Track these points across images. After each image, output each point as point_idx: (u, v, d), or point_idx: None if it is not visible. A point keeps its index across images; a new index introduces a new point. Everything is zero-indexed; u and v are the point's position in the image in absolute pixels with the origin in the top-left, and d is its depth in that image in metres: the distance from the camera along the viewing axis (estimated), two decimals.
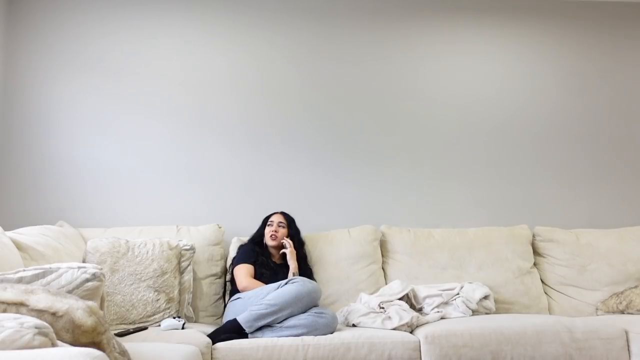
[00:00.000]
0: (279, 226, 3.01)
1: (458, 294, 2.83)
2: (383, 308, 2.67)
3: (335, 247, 3.13)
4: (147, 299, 2.66)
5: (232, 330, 2.41)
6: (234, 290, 2.83)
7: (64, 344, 1.31)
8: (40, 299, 1.38)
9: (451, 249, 3.16)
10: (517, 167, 3.59)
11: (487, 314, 2.84)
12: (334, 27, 3.59)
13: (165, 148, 3.40)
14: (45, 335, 1.20)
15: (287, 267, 2.92)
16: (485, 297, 2.86)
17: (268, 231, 3.01)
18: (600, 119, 3.68)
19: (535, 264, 3.24)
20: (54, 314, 1.35)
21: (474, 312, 2.79)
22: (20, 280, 1.69)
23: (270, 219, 3.05)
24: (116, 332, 2.37)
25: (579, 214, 3.57)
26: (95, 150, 3.35)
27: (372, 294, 2.91)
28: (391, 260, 3.18)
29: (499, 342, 2.37)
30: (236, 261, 2.91)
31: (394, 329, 2.50)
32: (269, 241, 2.98)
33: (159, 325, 2.56)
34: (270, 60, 3.53)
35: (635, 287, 3.01)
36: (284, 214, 3.08)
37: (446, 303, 2.80)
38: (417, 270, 3.10)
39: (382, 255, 3.20)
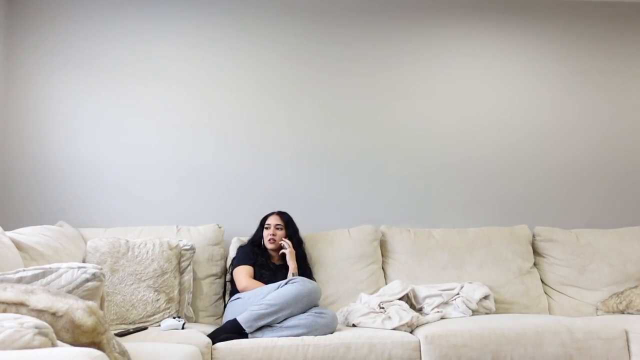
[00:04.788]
0: (277, 228, 3.00)
1: (458, 294, 2.83)
2: (383, 308, 2.67)
3: (335, 247, 3.13)
4: (147, 299, 2.66)
5: (232, 330, 2.41)
6: (234, 290, 2.83)
7: (64, 344, 1.31)
8: (40, 299, 1.38)
9: (451, 249, 3.16)
10: (517, 167, 3.59)
11: (487, 314, 2.84)
12: (334, 28, 3.59)
13: (166, 148, 3.40)
14: (45, 335, 1.20)
15: (286, 268, 2.91)
16: (485, 297, 2.86)
17: (266, 234, 3.00)
18: (600, 118, 3.67)
19: (535, 264, 3.24)
20: (54, 314, 1.35)
21: (474, 312, 2.79)
22: (20, 280, 1.69)
23: (267, 222, 3.04)
24: (116, 332, 2.36)
25: (579, 214, 3.57)
26: (96, 150, 3.35)
27: (372, 294, 2.91)
28: (391, 260, 3.18)
29: (499, 342, 2.37)
30: (236, 262, 2.91)
31: (394, 329, 2.50)
32: (268, 244, 2.98)
33: (159, 325, 2.56)
34: (270, 61, 3.53)
35: (635, 287, 3.01)
36: (280, 214, 3.07)
37: (446, 303, 2.80)
38: (417, 270, 3.10)
39: (382, 255, 3.20)
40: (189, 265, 2.88)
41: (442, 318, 2.71)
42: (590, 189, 3.61)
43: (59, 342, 1.27)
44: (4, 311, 1.35)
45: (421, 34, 3.65)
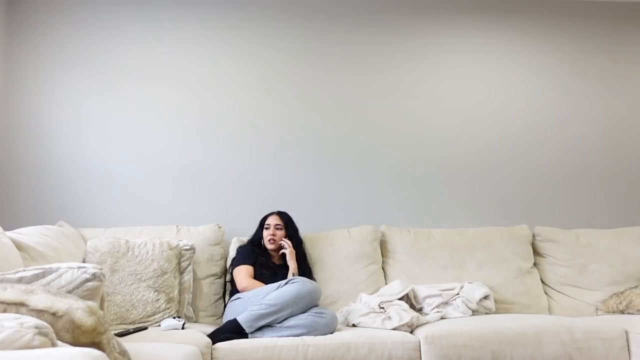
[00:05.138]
0: (276, 229, 3.00)
1: (458, 294, 2.83)
2: (383, 308, 2.67)
3: (335, 247, 3.13)
4: (147, 299, 2.66)
5: (232, 330, 2.41)
6: (234, 290, 2.83)
7: (64, 344, 1.31)
8: (40, 299, 1.38)
9: (451, 249, 3.16)
10: (517, 167, 3.58)
11: (487, 314, 2.84)
12: (335, 28, 3.59)
13: (166, 148, 3.40)
14: (45, 335, 1.20)
15: (286, 268, 2.92)
16: (485, 297, 2.86)
17: (266, 235, 3.00)
18: (599, 118, 3.67)
19: (535, 264, 3.24)
20: (54, 314, 1.35)
21: (474, 312, 2.79)
22: (20, 280, 1.69)
23: (266, 222, 3.04)
24: (116, 332, 2.36)
25: (579, 214, 3.57)
26: (96, 150, 3.35)
27: (372, 294, 2.91)
28: (391, 260, 3.18)
29: (499, 342, 2.36)
30: (236, 262, 2.91)
31: (394, 329, 2.50)
32: (267, 245, 2.98)
33: (159, 325, 2.56)
34: (271, 60, 3.53)
35: (635, 287, 3.00)
36: (279, 214, 3.07)
37: (446, 303, 2.80)
38: (417, 270, 3.10)
39: (382, 255, 3.20)
40: (189, 265, 2.88)
41: (442, 318, 2.71)
42: (590, 189, 3.61)
43: (59, 342, 1.27)
44: (4, 311, 1.35)
45: (421, 33, 3.65)
